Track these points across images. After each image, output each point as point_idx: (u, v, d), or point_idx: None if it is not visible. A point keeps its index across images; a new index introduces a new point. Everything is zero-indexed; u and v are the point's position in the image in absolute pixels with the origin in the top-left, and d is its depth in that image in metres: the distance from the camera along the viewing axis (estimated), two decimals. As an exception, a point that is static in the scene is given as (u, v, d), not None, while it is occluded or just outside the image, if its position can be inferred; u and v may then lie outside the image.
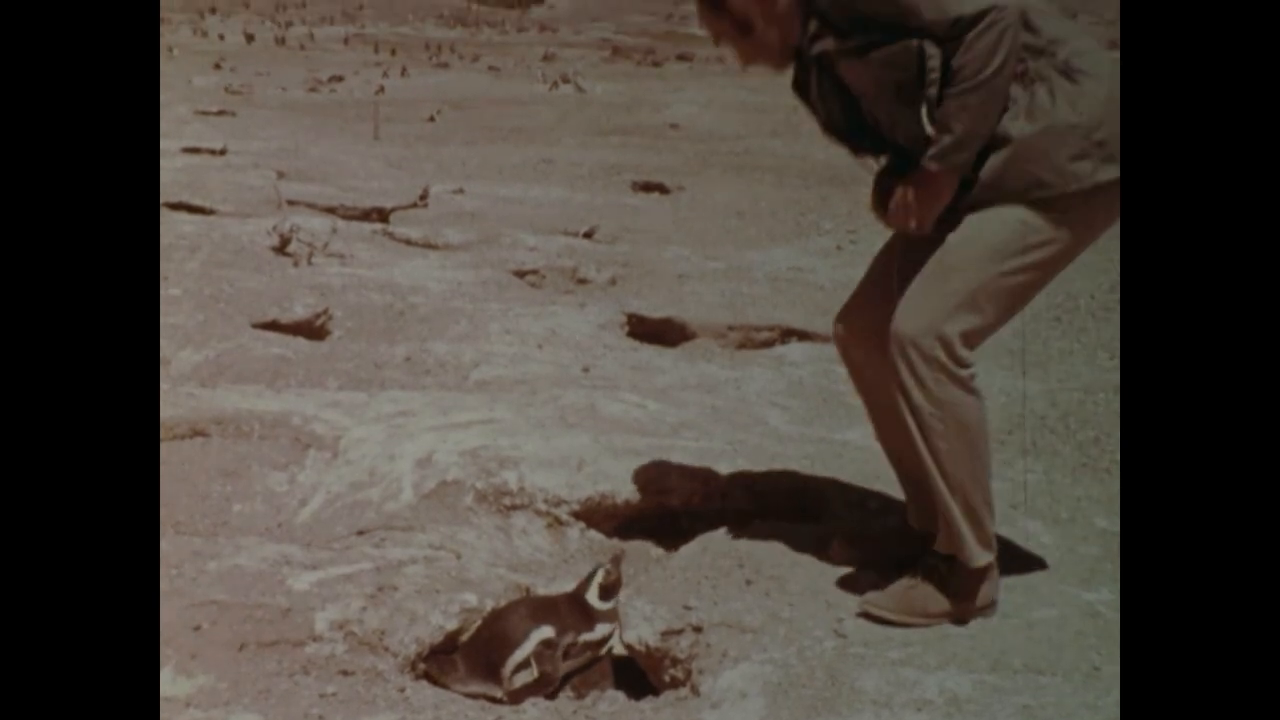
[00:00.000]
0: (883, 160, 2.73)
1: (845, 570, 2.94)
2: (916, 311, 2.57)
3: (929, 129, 2.49)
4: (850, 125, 2.68)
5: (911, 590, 2.72)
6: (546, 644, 2.74)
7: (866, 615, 2.73)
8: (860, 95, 2.60)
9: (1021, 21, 2.44)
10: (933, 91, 2.47)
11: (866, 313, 2.81)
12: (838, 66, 2.58)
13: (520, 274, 6.45)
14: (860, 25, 2.49)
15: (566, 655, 2.77)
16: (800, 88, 2.71)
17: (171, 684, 2.48)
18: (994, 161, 2.51)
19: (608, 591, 2.80)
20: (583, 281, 6.49)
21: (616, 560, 2.85)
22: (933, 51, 2.44)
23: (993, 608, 2.73)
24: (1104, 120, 2.48)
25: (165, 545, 3.02)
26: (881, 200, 2.71)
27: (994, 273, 2.56)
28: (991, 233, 2.55)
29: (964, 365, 2.59)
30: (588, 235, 7.59)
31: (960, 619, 2.71)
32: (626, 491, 3.40)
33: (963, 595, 2.70)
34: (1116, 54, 2.54)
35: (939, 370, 2.56)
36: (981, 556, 2.67)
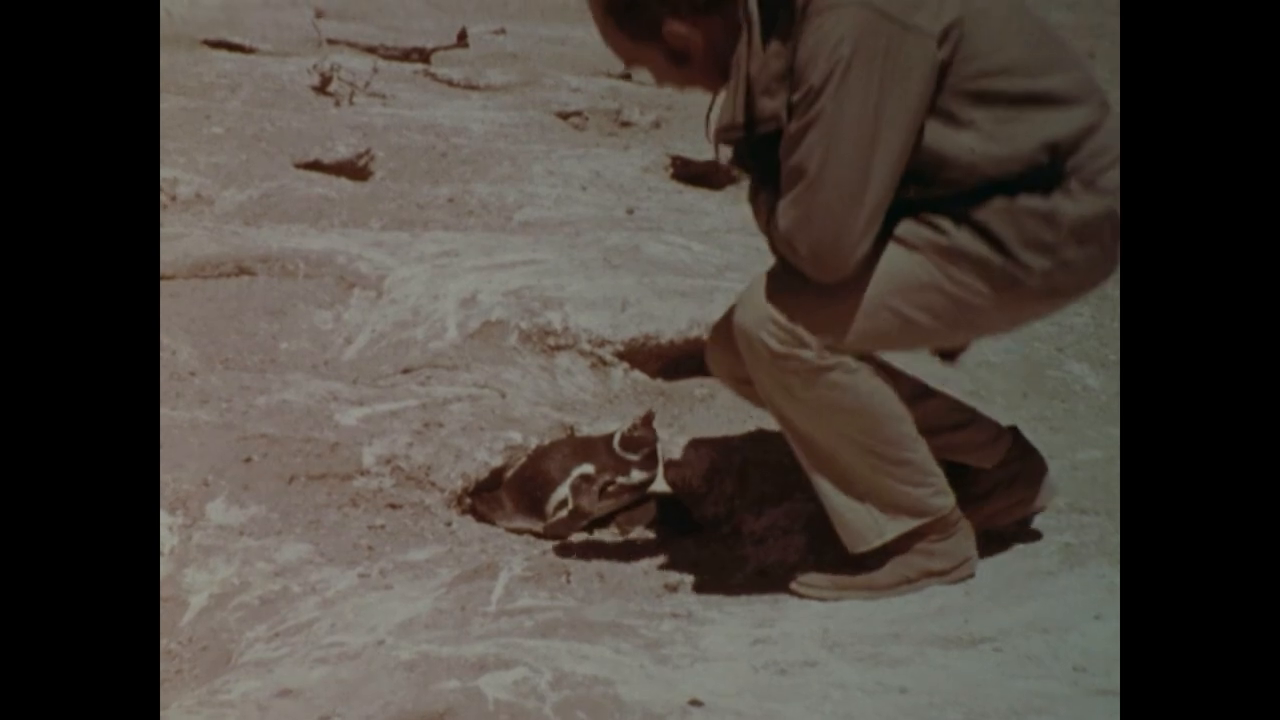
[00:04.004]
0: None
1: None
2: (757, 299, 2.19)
3: None
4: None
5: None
6: (585, 478, 2.76)
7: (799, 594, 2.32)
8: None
9: None
10: None
11: None
12: None
13: (563, 116, 6.35)
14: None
15: (604, 495, 2.79)
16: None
17: (224, 513, 2.53)
18: None
19: (630, 444, 2.78)
20: (626, 124, 6.39)
21: (647, 420, 2.79)
22: None
23: (967, 565, 2.30)
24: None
25: (215, 380, 3.06)
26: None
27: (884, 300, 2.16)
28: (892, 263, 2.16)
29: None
30: (629, 76, 7.45)
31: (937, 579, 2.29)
32: (670, 332, 3.39)
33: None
34: None
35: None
36: (866, 540, 2.27)
